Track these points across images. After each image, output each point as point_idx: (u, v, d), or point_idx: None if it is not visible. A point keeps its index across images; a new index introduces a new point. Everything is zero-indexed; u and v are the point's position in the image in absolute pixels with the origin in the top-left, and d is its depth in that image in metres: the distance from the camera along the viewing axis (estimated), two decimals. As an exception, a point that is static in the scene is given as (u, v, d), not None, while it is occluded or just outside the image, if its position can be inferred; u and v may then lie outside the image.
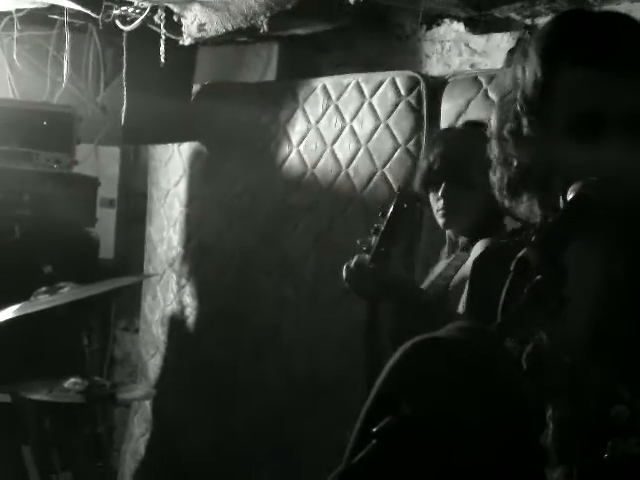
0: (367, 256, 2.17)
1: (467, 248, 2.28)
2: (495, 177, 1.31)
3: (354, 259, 2.19)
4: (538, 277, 1.10)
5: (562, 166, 1.20)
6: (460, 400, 0.96)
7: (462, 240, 2.32)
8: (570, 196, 1.18)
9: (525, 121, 1.23)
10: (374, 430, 0.93)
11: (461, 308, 1.97)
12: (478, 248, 2.19)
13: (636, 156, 1.17)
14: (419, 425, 0.93)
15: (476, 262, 1.39)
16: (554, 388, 1.16)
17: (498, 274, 1.24)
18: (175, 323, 3.85)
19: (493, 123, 1.30)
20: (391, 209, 2.20)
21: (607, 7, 2.71)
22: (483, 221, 2.26)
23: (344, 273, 2.20)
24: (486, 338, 0.99)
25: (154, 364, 3.94)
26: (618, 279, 1.20)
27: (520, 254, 1.09)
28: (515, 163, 1.27)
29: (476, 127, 2.37)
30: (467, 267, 2.20)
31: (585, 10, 1.29)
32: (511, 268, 1.11)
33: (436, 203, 2.31)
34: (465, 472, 1.00)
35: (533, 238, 1.12)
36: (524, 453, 1.01)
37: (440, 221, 2.32)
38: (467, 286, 1.41)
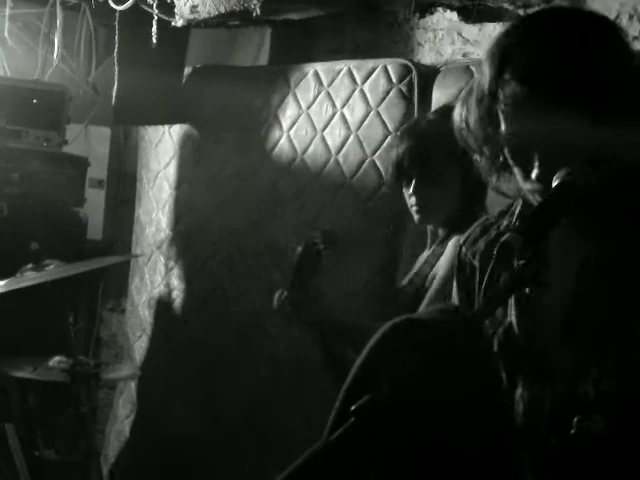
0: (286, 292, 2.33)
1: (443, 242, 2.26)
2: (477, 162, 1.34)
3: (279, 294, 2.35)
4: (521, 262, 1.11)
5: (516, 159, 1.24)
6: (436, 379, 0.97)
7: (441, 232, 2.30)
8: (555, 183, 1.19)
9: (485, 115, 1.26)
10: (352, 408, 0.94)
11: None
12: (451, 246, 2.17)
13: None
14: (397, 403, 0.94)
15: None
16: (524, 369, 1.18)
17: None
18: (162, 305, 3.86)
19: (457, 117, 1.33)
20: (298, 254, 2.33)
21: (599, 0, 2.72)
22: (459, 211, 2.24)
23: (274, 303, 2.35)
24: (464, 320, 1.00)
25: (140, 346, 3.94)
26: (593, 265, 1.21)
27: (503, 239, 1.10)
28: (486, 150, 1.30)
29: (449, 114, 2.37)
30: (440, 266, 2.20)
31: (546, 13, 1.31)
32: (494, 253, 1.12)
33: (409, 199, 2.30)
34: (440, 449, 1.01)
35: (516, 223, 1.13)
36: (497, 430, 1.02)
37: (415, 217, 2.31)
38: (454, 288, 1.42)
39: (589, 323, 1.19)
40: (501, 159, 1.28)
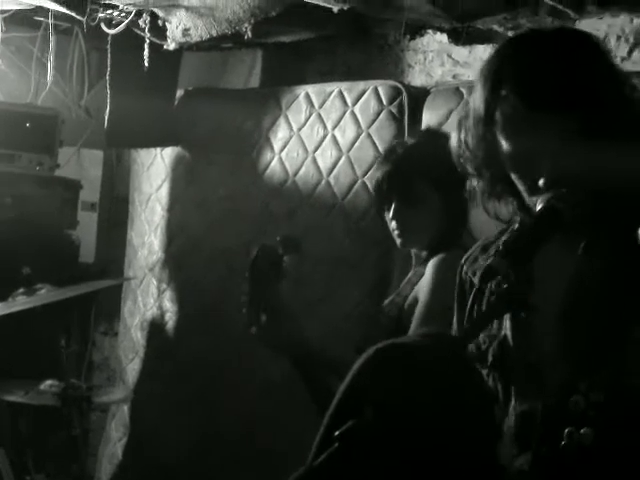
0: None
1: (425, 262, 2.25)
2: (474, 186, 1.35)
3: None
4: (504, 286, 1.12)
5: (520, 172, 1.25)
6: (421, 404, 0.97)
7: (424, 254, 2.29)
8: (538, 207, 1.20)
9: (480, 138, 1.28)
10: (336, 433, 0.94)
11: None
12: (430, 266, 2.17)
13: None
14: (381, 429, 0.94)
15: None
16: (518, 381, 1.19)
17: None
18: (155, 327, 3.85)
19: (455, 143, 1.34)
20: (252, 260, 2.20)
21: (587, 22, 2.74)
22: (441, 233, 2.24)
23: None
24: (448, 344, 1.00)
25: (133, 368, 3.93)
26: (583, 281, 1.22)
27: (487, 263, 1.11)
28: (486, 173, 1.31)
29: (431, 137, 2.37)
30: (421, 286, 2.20)
31: (536, 33, 1.33)
32: (478, 277, 1.13)
33: (390, 223, 2.30)
34: (426, 472, 1.02)
35: (500, 247, 1.14)
36: (482, 451, 1.03)
37: (397, 241, 2.30)
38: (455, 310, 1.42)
39: (580, 337, 1.20)
40: (501, 181, 1.29)
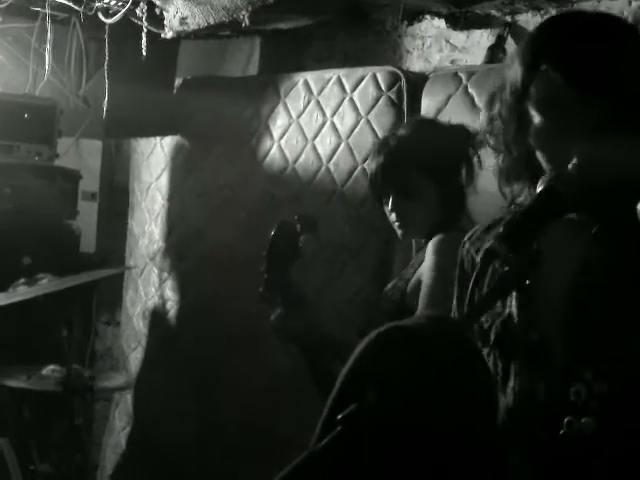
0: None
1: (425, 247, 2.26)
2: (496, 167, 1.34)
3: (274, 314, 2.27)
4: (505, 268, 1.12)
5: (544, 156, 1.24)
6: (423, 387, 0.97)
7: (423, 240, 2.29)
8: (538, 189, 1.19)
9: (514, 111, 1.27)
10: (339, 417, 0.95)
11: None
12: (430, 248, 2.17)
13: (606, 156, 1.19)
14: (383, 412, 0.94)
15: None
16: (518, 361, 1.19)
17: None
18: (157, 316, 3.86)
19: (483, 120, 1.33)
20: (272, 236, 2.24)
21: (586, 4, 2.74)
22: (440, 222, 2.24)
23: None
24: (451, 326, 1.01)
25: (135, 357, 3.94)
26: (592, 266, 1.21)
27: (487, 245, 1.11)
28: (514, 150, 1.30)
29: (423, 127, 2.37)
30: (423, 269, 2.20)
31: (577, 14, 1.33)
32: (478, 259, 1.13)
33: (389, 216, 2.31)
34: (429, 456, 1.02)
35: (501, 230, 1.14)
36: (487, 434, 1.03)
37: (398, 232, 2.31)
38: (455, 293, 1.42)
39: (586, 322, 1.19)
40: (526, 160, 1.28)
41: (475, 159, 2.30)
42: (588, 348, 1.18)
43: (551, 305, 1.21)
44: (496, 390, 1.16)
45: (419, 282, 2.16)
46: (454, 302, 1.36)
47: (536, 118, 1.24)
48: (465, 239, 1.40)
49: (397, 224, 2.29)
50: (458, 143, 2.31)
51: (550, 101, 1.22)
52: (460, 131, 2.42)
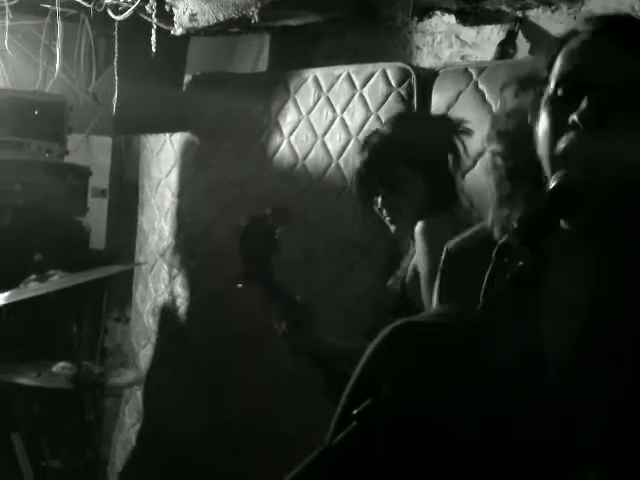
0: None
1: None
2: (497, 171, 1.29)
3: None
4: (520, 263, 1.11)
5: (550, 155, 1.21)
6: (439, 383, 0.97)
7: None
8: (552, 184, 1.18)
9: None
10: (354, 412, 0.94)
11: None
12: (417, 234, 2.16)
13: (619, 145, 1.17)
14: (399, 407, 0.94)
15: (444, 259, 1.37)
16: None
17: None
18: (166, 313, 3.86)
19: (498, 123, 1.30)
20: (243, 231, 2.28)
21: (597, 0, 2.73)
22: (431, 210, 2.23)
23: None
24: (465, 322, 1.00)
25: (145, 354, 3.95)
26: (603, 294, 1.14)
27: (502, 240, 1.10)
28: (518, 157, 1.26)
29: (405, 122, 2.38)
30: (418, 259, 2.20)
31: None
32: (493, 254, 1.12)
33: (380, 213, 2.31)
34: (445, 451, 1.01)
35: (515, 225, 1.13)
36: (502, 429, 1.01)
37: (391, 228, 2.31)
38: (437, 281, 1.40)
39: (601, 361, 1.11)
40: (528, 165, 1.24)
41: (461, 146, 2.31)
42: (601, 396, 1.09)
43: (562, 341, 1.13)
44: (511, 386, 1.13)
45: (416, 273, 2.16)
46: (435, 293, 1.32)
47: (556, 66, 1.20)
48: (451, 243, 1.36)
49: (388, 219, 2.30)
50: (442, 133, 2.32)
51: (570, 53, 1.17)
52: (443, 121, 2.43)
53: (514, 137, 1.26)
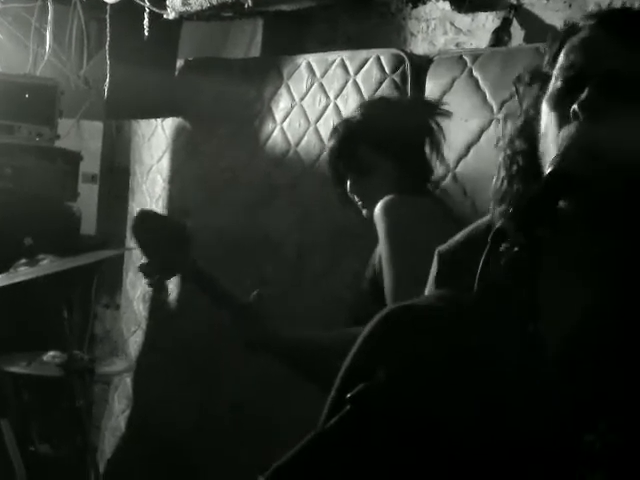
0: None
1: None
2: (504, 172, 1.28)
3: None
4: (515, 249, 1.10)
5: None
6: (434, 367, 0.96)
7: None
8: (548, 170, 1.17)
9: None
10: (348, 396, 0.93)
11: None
12: (377, 213, 2.13)
13: (617, 131, 1.16)
14: (393, 391, 0.93)
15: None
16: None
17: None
18: (157, 300, 3.84)
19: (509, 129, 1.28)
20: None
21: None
22: (400, 194, 2.20)
23: None
24: (462, 306, 0.99)
25: (135, 341, 3.93)
26: (596, 315, 1.13)
27: (497, 226, 1.09)
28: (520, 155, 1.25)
29: (370, 108, 2.38)
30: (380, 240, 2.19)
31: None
32: (488, 239, 1.11)
33: (353, 199, 2.32)
34: (439, 436, 1.00)
35: (511, 210, 1.12)
36: (497, 415, 1.01)
37: (363, 213, 2.31)
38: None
39: (591, 372, 1.10)
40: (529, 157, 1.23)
41: (438, 130, 2.31)
42: (606, 395, 1.07)
43: (563, 335, 1.12)
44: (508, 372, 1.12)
45: (380, 256, 2.15)
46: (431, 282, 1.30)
47: (560, 58, 1.20)
48: (442, 247, 1.34)
49: (360, 204, 2.30)
50: (416, 116, 2.32)
51: (574, 45, 1.18)
52: (418, 104, 2.43)
53: (522, 136, 1.26)
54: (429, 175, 2.34)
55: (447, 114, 2.33)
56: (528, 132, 1.23)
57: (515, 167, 1.24)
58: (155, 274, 2.29)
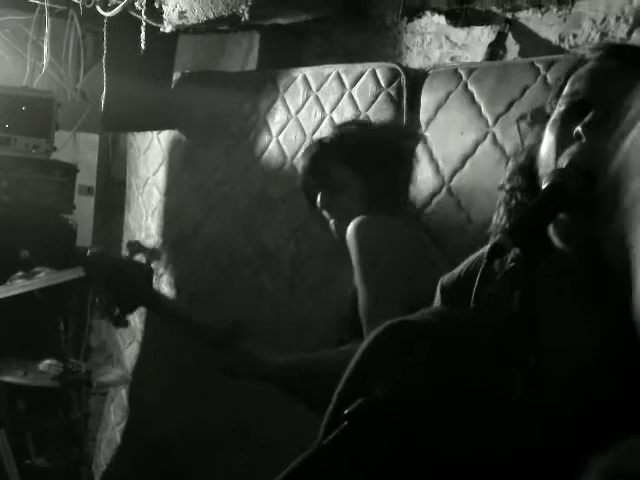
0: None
1: None
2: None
3: None
4: (511, 264, 1.11)
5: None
6: (431, 382, 0.96)
7: None
8: (544, 185, 1.19)
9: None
10: (345, 412, 0.94)
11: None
12: (348, 233, 2.14)
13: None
14: (390, 407, 0.94)
15: None
16: None
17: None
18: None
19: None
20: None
21: (586, 3, 2.73)
22: (368, 211, 2.24)
23: None
24: (459, 322, 1.00)
25: (131, 352, 3.93)
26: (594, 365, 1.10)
27: (494, 240, 1.10)
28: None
29: (342, 128, 2.43)
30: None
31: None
32: (485, 255, 1.12)
33: (325, 217, 2.35)
34: (436, 453, 1.01)
35: (507, 225, 1.13)
36: (495, 432, 1.01)
37: (333, 231, 2.34)
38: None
39: (588, 390, 1.08)
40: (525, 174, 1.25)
41: (409, 153, 2.37)
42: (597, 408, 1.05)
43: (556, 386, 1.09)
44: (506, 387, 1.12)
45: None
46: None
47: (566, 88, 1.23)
48: (445, 277, 1.35)
49: (331, 221, 2.32)
50: (385, 138, 2.37)
51: (580, 74, 1.22)
52: (390, 128, 2.49)
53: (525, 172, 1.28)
54: (403, 195, 2.37)
55: (420, 138, 2.39)
56: (528, 169, 1.25)
57: (514, 202, 1.26)
58: (113, 310, 2.30)
